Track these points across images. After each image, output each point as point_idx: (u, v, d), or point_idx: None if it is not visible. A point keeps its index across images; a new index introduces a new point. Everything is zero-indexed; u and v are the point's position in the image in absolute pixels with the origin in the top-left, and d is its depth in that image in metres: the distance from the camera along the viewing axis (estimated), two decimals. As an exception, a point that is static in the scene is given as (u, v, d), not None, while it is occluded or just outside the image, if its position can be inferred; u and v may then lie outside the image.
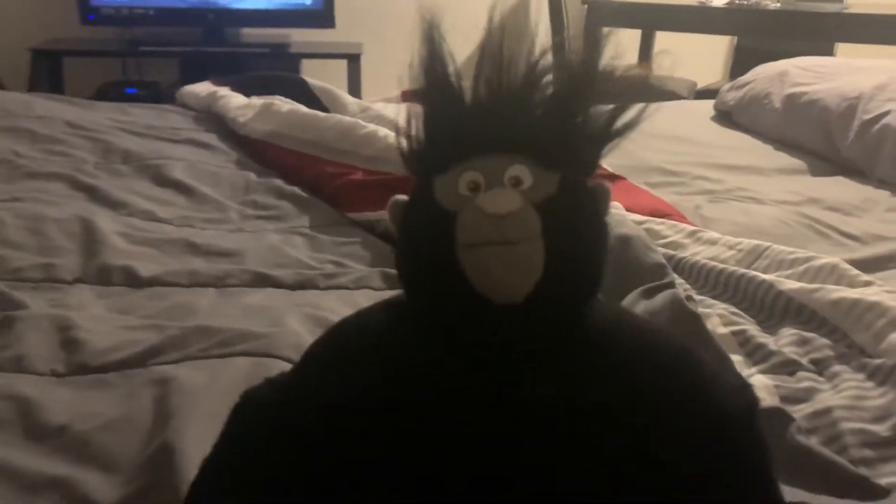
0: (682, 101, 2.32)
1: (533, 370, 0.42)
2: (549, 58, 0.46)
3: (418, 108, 0.46)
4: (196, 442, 0.62)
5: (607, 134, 0.45)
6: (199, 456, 0.61)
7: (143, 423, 0.66)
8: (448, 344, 0.44)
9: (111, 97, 2.42)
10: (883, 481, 0.62)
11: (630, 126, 0.45)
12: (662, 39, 2.94)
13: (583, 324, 0.44)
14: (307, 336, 0.80)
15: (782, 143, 1.69)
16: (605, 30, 0.46)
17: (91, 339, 0.79)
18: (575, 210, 0.43)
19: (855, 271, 0.91)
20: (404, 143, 0.46)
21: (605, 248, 0.45)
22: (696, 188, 1.41)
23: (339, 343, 0.49)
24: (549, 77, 0.45)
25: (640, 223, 1.04)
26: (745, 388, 0.49)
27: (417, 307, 0.46)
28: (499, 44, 0.45)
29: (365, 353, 0.46)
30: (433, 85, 0.46)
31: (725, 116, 1.91)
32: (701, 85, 2.96)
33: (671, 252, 0.98)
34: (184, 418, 0.65)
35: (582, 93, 0.44)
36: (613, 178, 1.29)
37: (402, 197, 0.46)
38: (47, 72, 2.68)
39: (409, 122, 0.46)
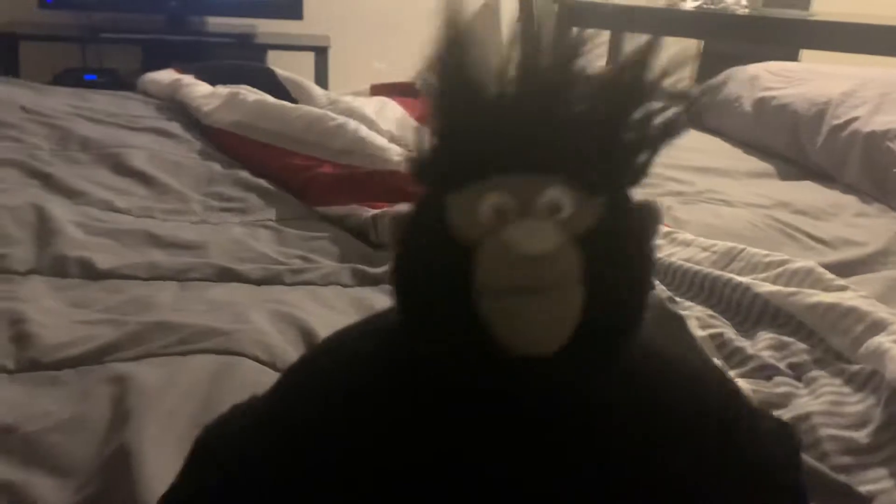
0: (651, 103, 2.32)
1: (562, 432, 0.36)
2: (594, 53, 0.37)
3: (434, 108, 0.38)
4: (154, 444, 0.59)
5: (661, 137, 0.38)
6: (157, 459, 0.58)
7: (98, 423, 0.63)
8: (456, 399, 0.37)
9: (69, 84, 2.34)
10: (863, 489, 0.61)
11: (681, 127, 0.38)
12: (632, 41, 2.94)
13: (618, 368, 0.38)
14: (274, 334, 0.77)
15: (752, 147, 1.70)
16: (653, 36, 0.39)
17: (44, 334, 0.74)
18: (622, 242, 0.35)
19: (830, 275, 0.91)
20: (414, 146, 0.38)
21: (651, 278, 0.38)
22: (667, 189, 1.40)
23: (319, 381, 0.41)
24: (592, 70, 0.37)
25: (615, 223, 1.03)
26: (788, 432, 0.45)
27: (419, 349, 0.38)
28: (534, 26, 0.37)
29: (350, 401, 0.39)
30: (451, 77, 0.37)
31: (695, 119, 1.91)
32: (669, 88, 2.97)
33: (646, 253, 0.97)
34: (142, 419, 0.62)
35: (638, 93, 0.36)
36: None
37: (404, 209, 0.38)
38: (3, 56, 2.59)
39: (423, 123, 0.38)
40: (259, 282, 0.93)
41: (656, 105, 0.37)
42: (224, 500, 0.40)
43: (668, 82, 0.37)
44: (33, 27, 2.67)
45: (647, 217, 0.38)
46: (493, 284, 0.33)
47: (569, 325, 0.34)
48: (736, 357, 0.77)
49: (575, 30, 0.37)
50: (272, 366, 0.72)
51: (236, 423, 0.43)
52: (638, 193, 1.16)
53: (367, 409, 0.38)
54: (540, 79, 0.36)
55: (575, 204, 0.35)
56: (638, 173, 0.38)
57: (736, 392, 0.42)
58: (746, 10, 2.66)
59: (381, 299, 0.92)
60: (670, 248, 1.02)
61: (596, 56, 0.38)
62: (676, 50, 0.38)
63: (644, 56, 0.37)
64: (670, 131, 0.37)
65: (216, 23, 2.85)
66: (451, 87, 0.37)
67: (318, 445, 0.38)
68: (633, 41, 0.38)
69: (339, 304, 0.88)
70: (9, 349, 0.73)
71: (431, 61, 0.38)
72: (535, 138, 0.36)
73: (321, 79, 2.70)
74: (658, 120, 0.37)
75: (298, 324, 0.80)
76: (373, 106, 1.52)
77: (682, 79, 0.38)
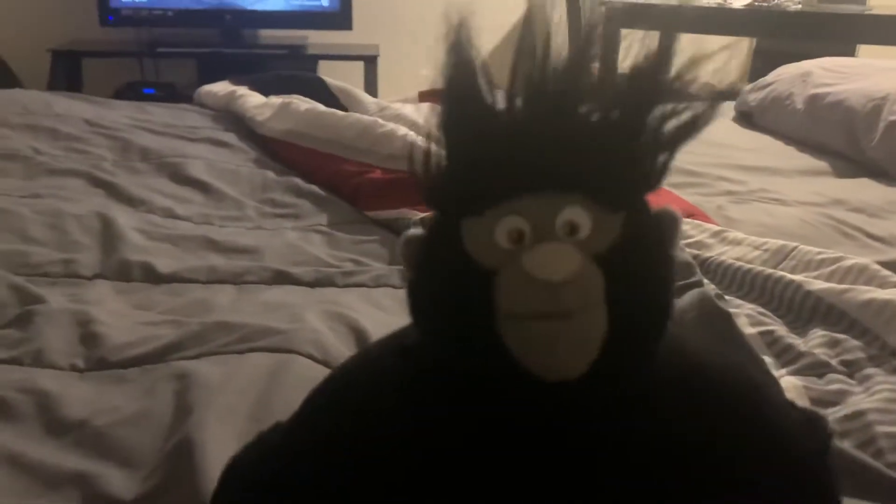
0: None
1: (588, 453, 0.36)
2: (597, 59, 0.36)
3: (441, 131, 0.37)
4: (215, 437, 0.62)
5: (679, 140, 0.36)
6: (218, 451, 0.61)
7: (163, 417, 0.66)
8: (481, 420, 0.36)
9: (129, 98, 2.43)
10: (919, 486, 0.60)
11: (701, 126, 0.36)
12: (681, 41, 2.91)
13: (644, 379, 0.37)
14: (327, 333, 0.79)
15: (805, 145, 1.67)
16: (665, 33, 0.38)
17: (110, 335, 0.78)
18: (643, 257, 0.34)
19: (886, 272, 0.89)
20: (422, 171, 0.37)
21: (673, 289, 0.37)
22: (719, 189, 1.39)
23: (340, 403, 0.41)
24: (604, 75, 0.36)
25: (664, 222, 1.02)
26: (817, 421, 0.44)
27: (441, 371, 0.37)
28: (535, 40, 0.35)
29: (372, 419, 0.38)
30: (460, 100, 0.36)
31: (746, 117, 1.89)
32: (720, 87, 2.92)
33: (696, 252, 0.96)
34: (203, 413, 0.64)
35: (648, 103, 0.35)
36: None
37: (418, 232, 0.37)
38: (66, 72, 2.69)
39: (429, 145, 0.36)
40: (312, 284, 0.96)
41: (668, 108, 0.36)
42: None
43: (682, 84, 0.36)
44: (95, 44, 2.78)
45: (665, 224, 0.37)
46: (515, 311, 0.33)
47: (594, 347, 0.33)
48: (787, 354, 0.77)
49: (587, 39, 0.36)
50: (325, 363, 0.74)
51: (259, 451, 0.44)
52: (686, 192, 1.12)
53: (381, 433, 0.38)
54: (548, 96, 0.35)
55: (593, 222, 0.34)
56: (656, 178, 0.37)
57: (755, 384, 0.41)
58: (799, 7, 2.61)
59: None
60: (721, 247, 1.02)
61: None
62: (692, 50, 0.37)
63: (655, 62, 0.36)
64: (685, 133, 0.36)
65: (269, 35, 2.92)
66: (459, 110, 0.36)
67: (330, 470, 0.38)
68: (652, 43, 0.37)
69: (389, 305, 0.90)
70: (79, 349, 0.77)
71: (439, 85, 0.36)
72: (547, 157, 0.34)
73: (371, 87, 2.74)
74: (672, 123, 0.36)
75: (351, 323, 0.82)
76: (422, 112, 1.54)
77: (697, 79, 0.37)
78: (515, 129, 0.35)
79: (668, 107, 0.36)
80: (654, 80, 0.35)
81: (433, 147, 0.36)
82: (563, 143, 0.35)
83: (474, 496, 0.35)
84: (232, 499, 0.44)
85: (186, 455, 0.60)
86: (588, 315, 0.33)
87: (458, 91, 0.36)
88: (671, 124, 0.36)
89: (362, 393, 0.40)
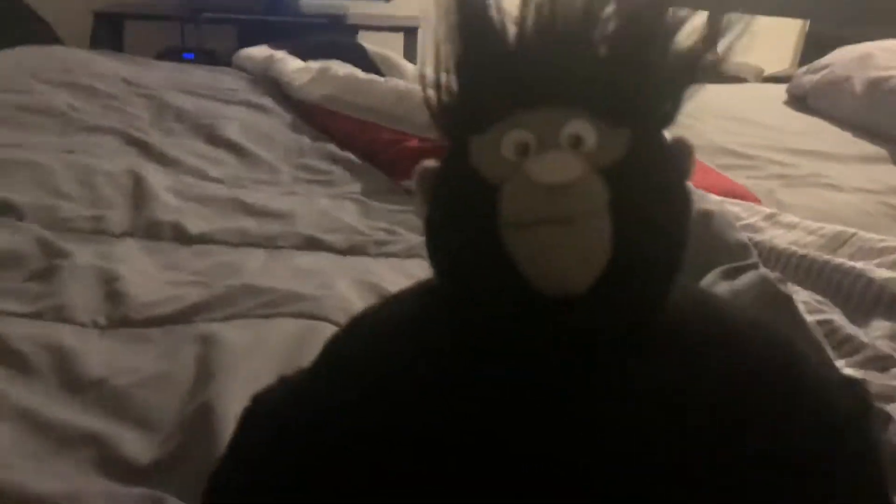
0: (752, 84, 2.22)
1: (595, 378, 0.34)
2: None
3: (450, 52, 0.37)
4: (237, 403, 0.58)
5: (688, 76, 0.36)
6: (239, 418, 0.58)
7: (184, 380, 0.63)
8: (489, 345, 0.35)
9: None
10: None
11: (714, 65, 0.37)
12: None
13: (657, 316, 0.36)
14: (357, 301, 0.76)
15: (861, 130, 1.59)
16: None
17: (136, 293, 0.76)
18: (650, 175, 0.34)
19: (954, 263, 0.83)
20: (432, 94, 0.37)
21: (687, 220, 0.36)
22: (770, 172, 1.33)
23: (358, 341, 0.41)
24: (611, 6, 0.36)
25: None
26: (856, 384, 0.41)
27: (452, 296, 0.37)
28: None
29: (386, 354, 0.38)
30: (468, 20, 0.36)
31: (799, 101, 1.81)
32: (768, 72, 2.83)
33: (748, 235, 0.91)
34: (225, 378, 0.62)
35: (656, 25, 0.36)
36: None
37: (432, 162, 0.38)
38: (109, 35, 2.69)
39: (438, 68, 0.37)
40: (344, 252, 0.93)
41: (679, 47, 0.36)
42: (262, 474, 0.40)
43: (678, 24, 0.36)
44: (138, 7, 2.77)
45: (678, 151, 0.36)
46: (516, 218, 0.33)
47: (597, 258, 0.33)
48: (847, 346, 0.72)
49: None
50: (355, 333, 0.71)
51: (280, 394, 0.42)
52: (735, 174, 1.06)
53: (397, 378, 0.37)
54: (558, 20, 0.36)
55: (598, 136, 0.34)
56: (667, 114, 0.37)
57: (789, 341, 0.40)
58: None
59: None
60: (773, 231, 0.96)
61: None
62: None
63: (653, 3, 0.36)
64: (692, 73, 0.36)
65: (309, 4, 2.88)
66: (471, 35, 0.37)
67: (348, 418, 0.37)
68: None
69: (421, 276, 0.86)
70: (102, 306, 0.74)
71: (448, 8, 0.37)
72: (554, 75, 0.35)
73: (410, 60, 2.69)
74: (681, 61, 0.36)
75: (381, 293, 0.79)
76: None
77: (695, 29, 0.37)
78: (523, 49, 0.36)
79: (675, 48, 0.37)
80: (656, 17, 0.36)
81: (444, 73, 0.37)
82: (568, 62, 0.36)
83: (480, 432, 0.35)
84: (249, 442, 0.43)
85: (206, 421, 0.57)
86: (590, 223, 0.33)
87: (470, 16, 0.37)
88: (676, 64, 0.36)
89: (378, 336, 0.40)
